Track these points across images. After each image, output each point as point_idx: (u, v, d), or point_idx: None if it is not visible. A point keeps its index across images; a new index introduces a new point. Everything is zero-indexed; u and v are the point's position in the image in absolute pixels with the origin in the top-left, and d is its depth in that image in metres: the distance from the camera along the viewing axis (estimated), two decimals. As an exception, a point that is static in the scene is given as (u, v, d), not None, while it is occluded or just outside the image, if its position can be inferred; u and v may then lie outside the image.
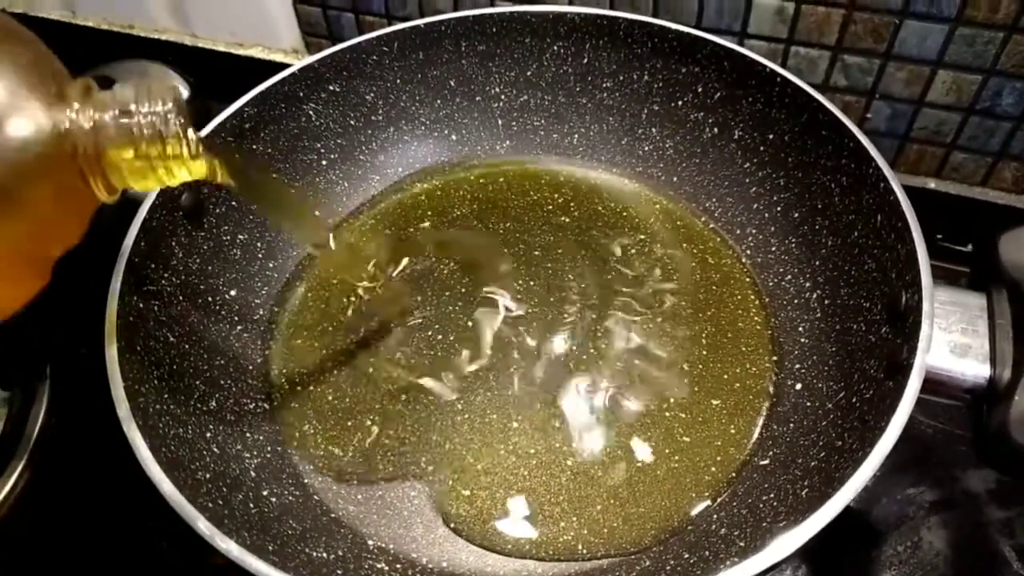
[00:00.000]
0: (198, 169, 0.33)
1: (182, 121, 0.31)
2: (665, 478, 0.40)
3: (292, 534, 0.38)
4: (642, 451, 0.41)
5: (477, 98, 0.56)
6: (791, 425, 0.41)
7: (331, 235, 0.43)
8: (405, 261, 0.50)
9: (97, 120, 0.29)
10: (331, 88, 0.52)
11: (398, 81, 0.54)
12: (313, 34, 0.68)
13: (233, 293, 0.48)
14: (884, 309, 0.39)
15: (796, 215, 0.48)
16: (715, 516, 0.38)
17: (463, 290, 0.48)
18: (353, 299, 0.48)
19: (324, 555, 0.37)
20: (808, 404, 0.41)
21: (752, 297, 0.46)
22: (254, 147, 0.49)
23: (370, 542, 0.38)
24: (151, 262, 0.42)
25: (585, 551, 0.38)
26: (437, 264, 0.50)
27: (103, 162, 0.30)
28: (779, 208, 0.49)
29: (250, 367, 0.45)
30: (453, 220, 0.52)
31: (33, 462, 0.45)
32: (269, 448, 0.42)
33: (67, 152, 0.29)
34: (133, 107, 0.30)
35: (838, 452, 0.36)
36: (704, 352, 0.44)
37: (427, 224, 0.52)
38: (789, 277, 0.47)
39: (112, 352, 0.37)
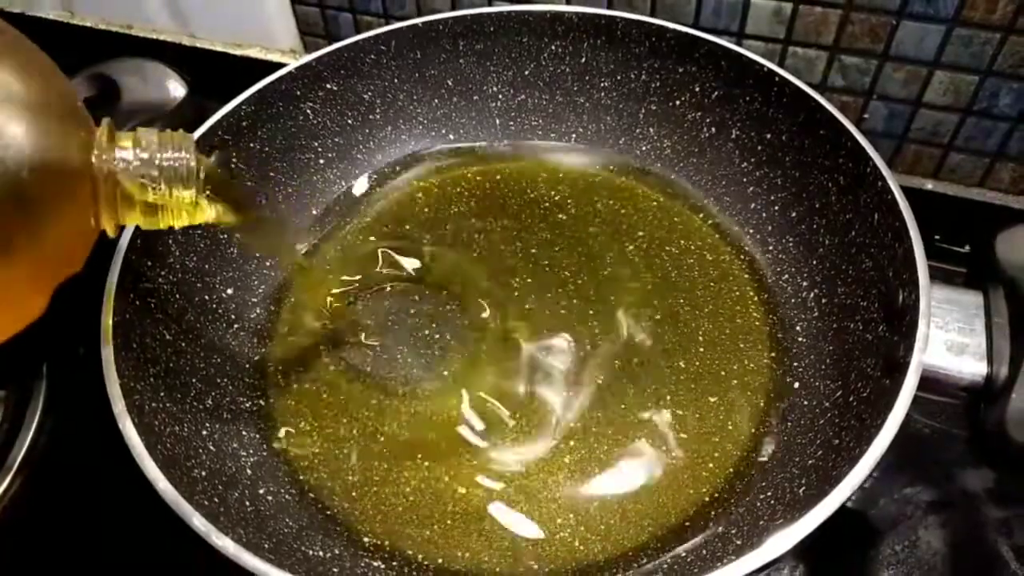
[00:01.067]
0: (205, 215, 0.34)
1: (198, 169, 0.33)
2: (663, 475, 0.40)
3: (288, 532, 0.38)
4: (639, 448, 0.41)
5: (475, 97, 0.56)
6: (788, 423, 0.41)
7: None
8: (402, 259, 0.50)
9: (119, 162, 0.31)
10: (329, 87, 0.52)
11: (396, 80, 0.54)
12: (311, 34, 0.69)
13: (230, 292, 0.48)
14: (881, 308, 0.39)
15: (794, 214, 0.48)
16: (712, 513, 0.38)
17: (459, 288, 0.48)
18: (348, 299, 0.48)
19: (320, 553, 0.37)
20: (805, 402, 0.41)
21: (751, 294, 0.46)
22: (251, 145, 0.49)
23: (365, 539, 0.38)
24: (148, 260, 0.42)
25: (582, 548, 0.37)
26: (434, 262, 0.50)
27: (117, 201, 0.31)
28: (776, 207, 0.49)
29: (246, 365, 0.45)
30: (450, 218, 0.52)
31: (29, 461, 0.45)
32: (265, 446, 0.42)
33: (87, 190, 0.30)
34: (155, 152, 0.32)
35: (835, 450, 0.36)
36: (702, 349, 0.44)
37: (424, 222, 0.52)
38: (787, 276, 0.47)
39: (108, 349, 0.37)
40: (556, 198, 0.53)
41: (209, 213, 0.34)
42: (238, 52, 0.71)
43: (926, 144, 0.55)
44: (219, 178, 0.35)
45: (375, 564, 0.37)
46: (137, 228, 0.41)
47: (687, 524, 0.38)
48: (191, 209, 0.33)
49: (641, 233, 0.50)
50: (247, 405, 0.43)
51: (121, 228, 0.34)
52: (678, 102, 0.53)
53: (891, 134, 0.55)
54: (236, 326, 0.47)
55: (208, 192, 0.34)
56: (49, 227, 0.28)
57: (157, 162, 0.32)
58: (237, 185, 0.37)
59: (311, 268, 0.43)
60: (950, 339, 0.36)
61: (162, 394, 0.39)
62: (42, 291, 0.30)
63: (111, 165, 0.31)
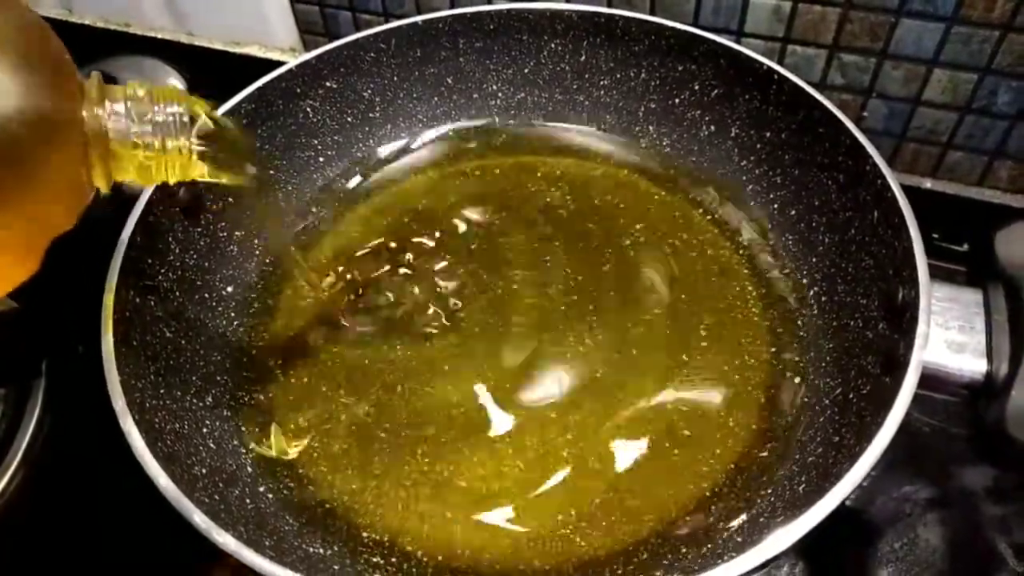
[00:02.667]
0: (199, 170, 0.34)
1: (190, 123, 0.32)
2: (663, 470, 0.39)
3: (288, 529, 0.38)
4: (640, 443, 0.40)
5: (474, 95, 0.56)
6: (789, 420, 0.41)
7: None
8: (401, 255, 0.50)
9: (111, 114, 0.31)
10: (328, 85, 0.53)
11: (395, 78, 0.55)
12: (310, 32, 0.69)
13: (230, 289, 0.48)
14: (881, 305, 0.39)
15: (793, 212, 0.48)
16: (712, 510, 0.38)
17: (458, 283, 0.48)
18: (348, 293, 0.48)
19: (320, 551, 0.37)
20: (806, 399, 0.41)
21: (751, 289, 0.46)
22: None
23: (365, 534, 0.38)
24: (148, 257, 0.42)
25: (583, 544, 0.37)
26: (432, 257, 0.50)
27: (109, 154, 0.31)
28: (776, 205, 0.49)
29: (245, 360, 0.45)
30: (449, 213, 0.52)
31: (28, 460, 0.45)
32: (264, 442, 0.42)
33: (78, 142, 0.30)
34: (146, 105, 0.32)
35: (835, 448, 0.36)
36: (703, 344, 0.44)
37: (423, 218, 0.52)
38: (787, 272, 0.47)
39: (108, 346, 0.36)
40: (556, 193, 0.53)
41: (203, 168, 0.34)
42: (237, 50, 0.71)
43: (925, 142, 0.55)
44: (217, 131, 0.34)
45: (375, 560, 0.37)
46: (137, 226, 0.41)
47: (687, 520, 0.38)
48: (185, 163, 0.33)
49: (641, 227, 0.50)
50: (247, 400, 0.43)
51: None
52: (677, 100, 0.53)
53: (890, 132, 0.55)
54: (236, 323, 0.47)
55: (204, 151, 0.34)
56: (39, 182, 0.28)
57: (149, 115, 0.31)
58: (235, 137, 0.36)
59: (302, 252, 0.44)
60: (950, 337, 0.36)
61: (162, 391, 0.39)
62: (33, 250, 0.30)
63: (101, 118, 0.30)
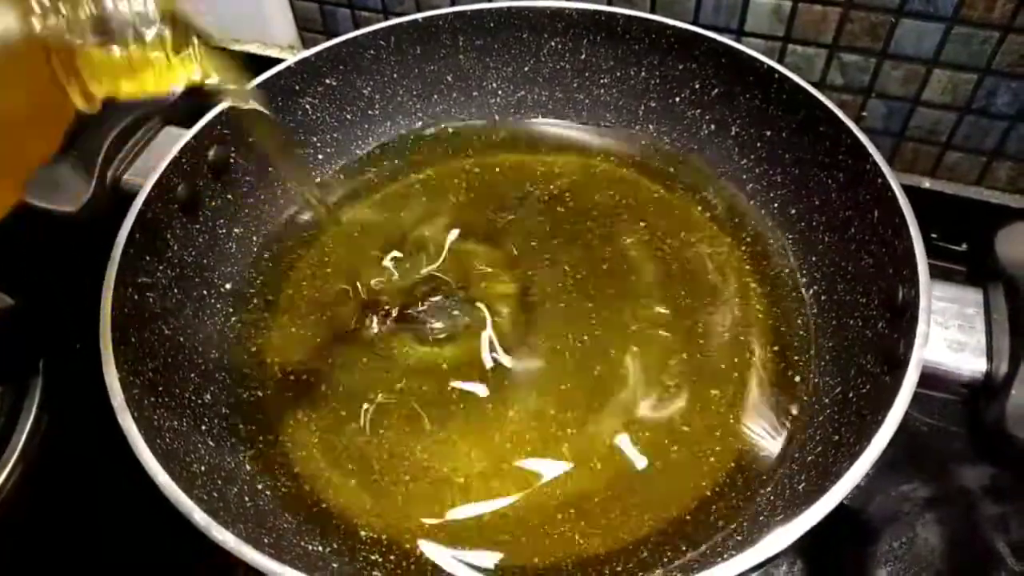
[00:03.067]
0: (184, 73, 0.31)
1: (164, 19, 0.29)
2: (664, 468, 0.39)
3: (288, 527, 0.38)
4: (640, 441, 0.40)
5: (474, 93, 0.56)
6: (789, 418, 0.41)
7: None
8: (400, 252, 0.50)
9: (70, 19, 0.27)
10: (328, 82, 0.52)
11: (395, 75, 0.54)
12: (309, 30, 0.68)
13: (228, 286, 0.48)
14: (881, 304, 0.39)
15: (793, 211, 0.48)
16: (712, 508, 0.38)
17: (457, 281, 0.48)
18: (347, 290, 0.48)
19: (319, 548, 0.37)
20: (805, 398, 0.41)
21: (752, 285, 0.46)
22: (250, 140, 0.49)
23: (363, 532, 0.38)
24: (146, 255, 0.42)
25: (582, 542, 0.37)
26: (432, 255, 0.49)
27: (77, 65, 0.28)
28: (776, 204, 0.49)
29: (244, 357, 0.45)
30: (448, 211, 0.52)
31: (26, 457, 0.45)
32: (262, 438, 0.41)
33: (39, 54, 0.27)
34: (110, 5, 0.28)
35: (835, 446, 0.36)
36: (702, 341, 0.44)
37: (422, 215, 0.52)
38: (787, 271, 0.47)
39: (107, 343, 0.36)
40: (554, 191, 0.53)
41: (191, 69, 0.31)
42: (236, 48, 0.71)
43: (924, 142, 0.55)
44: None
45: (373, 558, 0.37)
46: (136, 223, 0.41)
47: (688, 518, 0.38)
48: (163, 67, 0.29)
49: (641, 225, 0.50)
50: (245, 397, 0.43)
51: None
52: (678, 99, 0.53)
53: (889, 132, 0.55)
54: (234, 319, 0.47)
55: (189, 49, 0.30)
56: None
57: (114, 15, 0.28)
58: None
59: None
60: (950, 336, 0.36)
61: (160, 389, 0.39)
62: (7, 178, 0.28)
63: (61, 23, 0.27)
